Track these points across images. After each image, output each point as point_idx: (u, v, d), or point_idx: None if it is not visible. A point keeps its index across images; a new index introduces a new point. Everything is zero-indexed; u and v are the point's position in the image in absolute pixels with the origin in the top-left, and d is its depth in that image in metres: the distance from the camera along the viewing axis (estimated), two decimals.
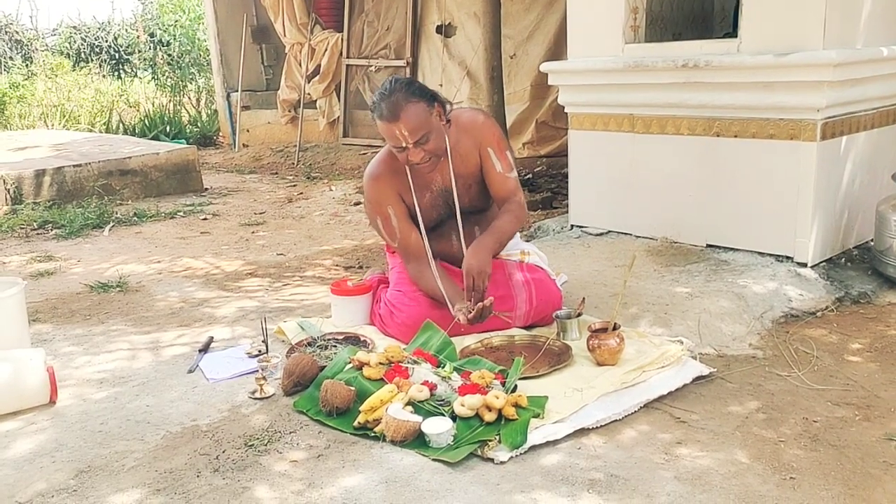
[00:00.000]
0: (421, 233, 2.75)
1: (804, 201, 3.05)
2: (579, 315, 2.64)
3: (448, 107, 2.62)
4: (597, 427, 2.07)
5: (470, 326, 2.54)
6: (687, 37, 4.02)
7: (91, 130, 9.64)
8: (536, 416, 2.07)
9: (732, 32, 3.79)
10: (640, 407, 2.17)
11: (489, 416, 2.04)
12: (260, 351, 2.64)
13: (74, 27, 14.02)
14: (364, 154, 7.16)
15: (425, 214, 2.76)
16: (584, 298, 2.77)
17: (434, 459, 1.93)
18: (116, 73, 13.57)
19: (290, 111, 8.20)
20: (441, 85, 6.65)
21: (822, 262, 3.16)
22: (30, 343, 2.72)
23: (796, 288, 2.93)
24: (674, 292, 2.89)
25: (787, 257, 3.13)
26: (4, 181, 5.29)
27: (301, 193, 6.08)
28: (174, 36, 12.65)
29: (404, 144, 2.52)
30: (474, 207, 2.81)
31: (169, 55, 12.35)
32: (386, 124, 2.50)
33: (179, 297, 3.40)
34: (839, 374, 2.37)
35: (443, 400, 2.13)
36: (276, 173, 7.25)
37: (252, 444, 2.05)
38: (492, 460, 1.92)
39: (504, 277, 2.74)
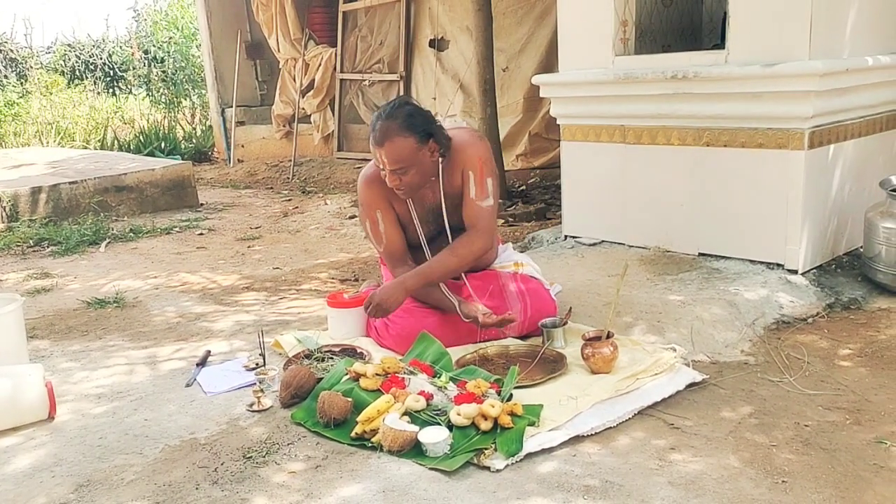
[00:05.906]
0: (422, 244, 2.79)
1: (794, 209, 3.08)
2: (565, 324, 2.67)
3: (448, 143, 2.65)
4: (592, 434, 2.09)
5: (483, 331, 2.66)
6: (676, 49, 4.06)
7: (86, 147, 9.66)
8: (532, 424, 2.09)
9: (720, 44, 3.84)
10: (635, 414, 2.20)
11: (485, 425, 2.06)
12: (257, 364, 2.66)
13: (69, 45, 14.09)
14: (359, 168, 7.16)
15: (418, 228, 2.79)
16: (570, 308, 2.81)
17: (431, 468, 1.95)
18: (111, 91, 13.62)
19: (284, 126, 8.25)
20: (434, 98, 6.70)
21: (812, 269, 3.19)
22: (28, 359, 2.73)
23: (787, 295, 2.97)
24: (667, 300, 2.92)
25: (778, 265, 3.16)
26: (0, 199, 5.30)
27: (296, 207, 6.11)
28: (168, 53, 12.71)
29: (382, 168, 2.62)
30: (462, 226, 2.77)
31: (163, 72, 12.41)
32: (371, 145, 2.62)
33: (176, 312, 3.42)
34: (830, 379, 2.40)
35: (439, 409, 2.15)
36: (272, 188, 7.28)
37: (250, 456, 2.07)
38: (488, 468, 1.94)
39: (499, 288, 2.80)
